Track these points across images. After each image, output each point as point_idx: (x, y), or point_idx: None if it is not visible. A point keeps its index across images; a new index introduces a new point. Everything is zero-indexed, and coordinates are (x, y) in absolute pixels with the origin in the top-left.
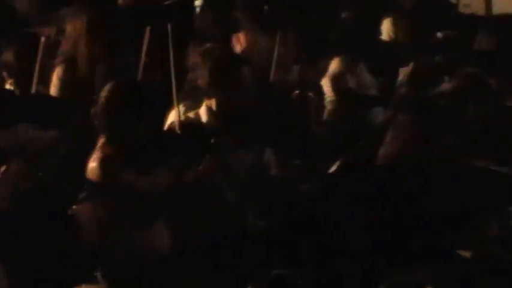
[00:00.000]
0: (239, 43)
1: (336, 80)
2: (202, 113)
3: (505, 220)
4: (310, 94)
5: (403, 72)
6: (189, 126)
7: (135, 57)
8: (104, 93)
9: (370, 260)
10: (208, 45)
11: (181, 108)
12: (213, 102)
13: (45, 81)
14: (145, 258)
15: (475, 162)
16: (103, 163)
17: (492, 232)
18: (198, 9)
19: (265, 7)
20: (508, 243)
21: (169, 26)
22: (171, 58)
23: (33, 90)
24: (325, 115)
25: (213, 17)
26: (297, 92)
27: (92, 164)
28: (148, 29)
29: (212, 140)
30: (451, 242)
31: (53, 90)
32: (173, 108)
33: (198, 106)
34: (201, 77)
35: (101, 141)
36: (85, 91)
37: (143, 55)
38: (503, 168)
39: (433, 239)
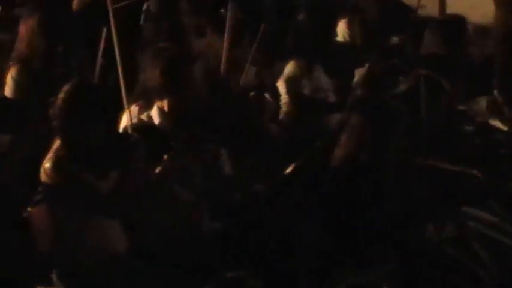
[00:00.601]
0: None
1: (290, 83)
2: (154, 114)
3: (460, 220)
4: (266, 95)
5: (359, 74)
6: (143, 128)
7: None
8: (61, 94)
9: (325, 261)
10: (158, 45)
11: (134, 109)
12: (164, 104)
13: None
14: (101, 259)
15: (430, 163)
16: (58, 165)
17: (447, 232)
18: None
19: (221, 10)
20: (463, 243)
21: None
22: (118, 60)
23: None
24: (281, 116)
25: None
26: (253, 93)
27: (46, 165)
28: (104, 29)
29: (165, 142)
30: (406, 242)
31: (8, 91)
32: (125, 110)
33: (150, 107)
34: (152, 78)
35: (57, 142)
36: (41, 92)
37: (99, 56)
38: (457, 168)
39: (388, 239)
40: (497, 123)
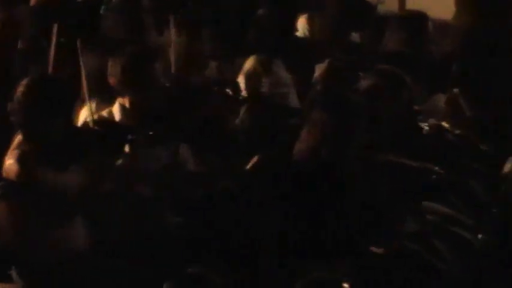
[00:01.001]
0: None
1: (250, 79)
2: (116, 111)
3: (420, 215)
4: (228, 91)
5: (319, 69)
6: (103, 123)
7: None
8: (20, 88)
9: (288, 256)
10: (117, 40)
11: (94, 104)
12: (126, 100)
13: None
14: (61, 256)
15: (390, 158)
16: (21, 160)
17: (408, 227)
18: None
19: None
20: (423, 238)
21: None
22: (80, 56)
23: None
24: (242, 112)
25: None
26: (214, 88)
27: (9, 161)
28: (56, 25)
29: (127, 138)
30: (367, 237)
31: None
32: (84, 105)
33: (109, 103)
34: (113, 74)
35: (18, 137)
36: (1, 87)
37: (52, 51)
38: (417, 164)
39: (350, 234)
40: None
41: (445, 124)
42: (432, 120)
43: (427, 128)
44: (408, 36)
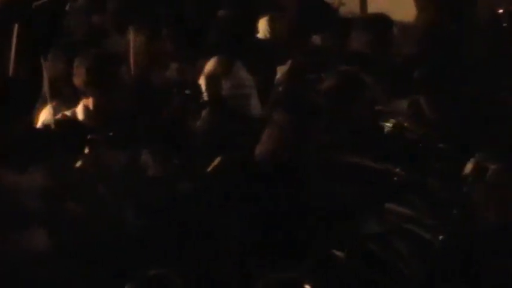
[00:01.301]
0: None
1: (210, 81)
2: (79, 111)
3: (383, 217)
4: (188, 93)
5: (281, 71)
6: (65, 124)
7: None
8: None
9: (249, 258)
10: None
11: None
12: (90, 102)
13: None
14: (21, 258)
15: (351, 160)
16: None
17: (369, 228)
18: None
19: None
20: (384, 239)
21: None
22: (42, 58)
23: None
24: (203, 114)
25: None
26: (175, 90)
27: None
28: (16, 26)
29: (88, 139)
30: (329, 239)
31: None
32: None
33: (70, 104)
34: (77, 75)
35: None
36: None
37: (13, 52)
38: (379, 165)
39: (311, 236)
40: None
41: (406, 124)
42: (394, 120)
43: (389, 127)
44: (373, 38)
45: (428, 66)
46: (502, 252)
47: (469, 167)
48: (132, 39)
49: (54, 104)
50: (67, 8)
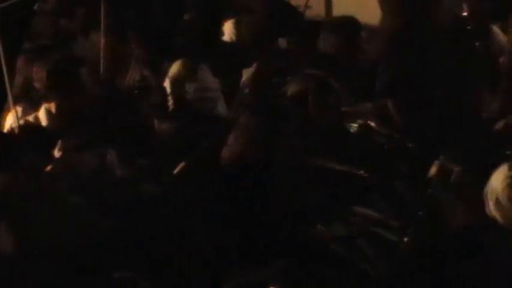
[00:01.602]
0: None
1: (175, 83)
2: (42, 116)
3: (348, 219)
4: (154, 95)
5: (246, 74)
6: (29, 129)
7: None
8: None
9: (214, 260)
10: (42, 42)
11: (19, 109)
12: (52, 105)
13: None
14: None
15: (317, 162)
16: None
17: (335, 231)
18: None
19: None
20: (350, 241)
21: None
22: (2, 60)
23: None
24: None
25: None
26: (141, 93)
27: None
28: None
29: (53, 143)
30: (295, 241)
31: None
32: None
33: (34, 108)
34: (38, 79)
35: None
36: None
37: None
38: (345, 168)
39: (277, 238)
40: (377, 127)
41: (373, 124)
42: (360, 121)
43: (355, 127)
44: (341, 41)
45: (394, 70)
46: (467, 254)
47: (433, 169)
48: (98, 42)
49: (22, 107)
50: (35, 10)
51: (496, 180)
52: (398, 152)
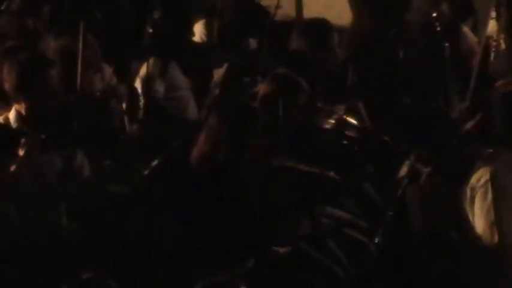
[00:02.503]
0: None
1: (145, 83)
2: (12, 117)
3: (316, 219)
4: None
5: (217, 74)
6: None
7: None
8: None
9: (183, 261)
10: (10, 43)
11: None
12: (22, 107)
13: None
14: None
15: (286, 163)
16: None
17: (303, 230)
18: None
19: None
20: (318, 241)
21: None
22: None
23: None
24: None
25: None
26: (110, 93)
27: None
28: None
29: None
30: (264, 240)
31: None
32: None
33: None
34: (7, 80)
35: None
36: None
37: None
38: (314, 169)
39: (247, 238)
40: (353, 121)
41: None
42: (336, 116)
43: (330, 123)
44: (313, 42)
45: (363, 71)
46: (435, 254)
47: (403, 170)
48: (65, 42)
49: None
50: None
51: (475, 178)
52: (368, 152)
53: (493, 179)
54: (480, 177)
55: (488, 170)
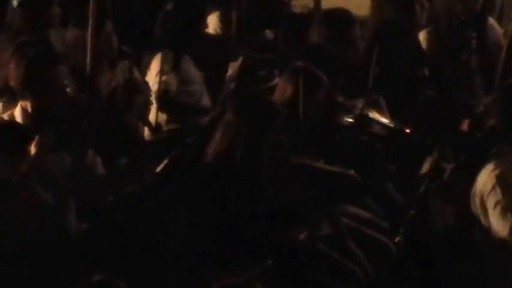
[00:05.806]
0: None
1: (158, 77)
2: (17, 114)
3: (335, 219)
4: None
5: (233, 67)
6: (5, 126)
7: None
8: None
9: (198, 261)
10: (20, 40)
11: None
12: (28, 104)
13: None
14: None
15: (305, 161)
16: None
17: (322, 230)
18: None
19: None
20: (338, 241)
21: None
22: None
23: None
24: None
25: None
26: (121, 88)
27: None
28: None
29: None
30: (282, 240)
31: None
32: None
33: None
34: (14, 77)
35: None
36: None
37: None
38: (333, 168)
39: (264, 237)
40: (375, 115)
41: (370, 114)
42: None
43: (351, 118)
44: (334, 34)
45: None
46: (458, 253)
47: (425, 167)
48: (74, 36)
49: (2, 102)
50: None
51: (482, 180)
52: (389, 150)
53: (502, 179)
54: (485, 181)
55: (494, 169)
